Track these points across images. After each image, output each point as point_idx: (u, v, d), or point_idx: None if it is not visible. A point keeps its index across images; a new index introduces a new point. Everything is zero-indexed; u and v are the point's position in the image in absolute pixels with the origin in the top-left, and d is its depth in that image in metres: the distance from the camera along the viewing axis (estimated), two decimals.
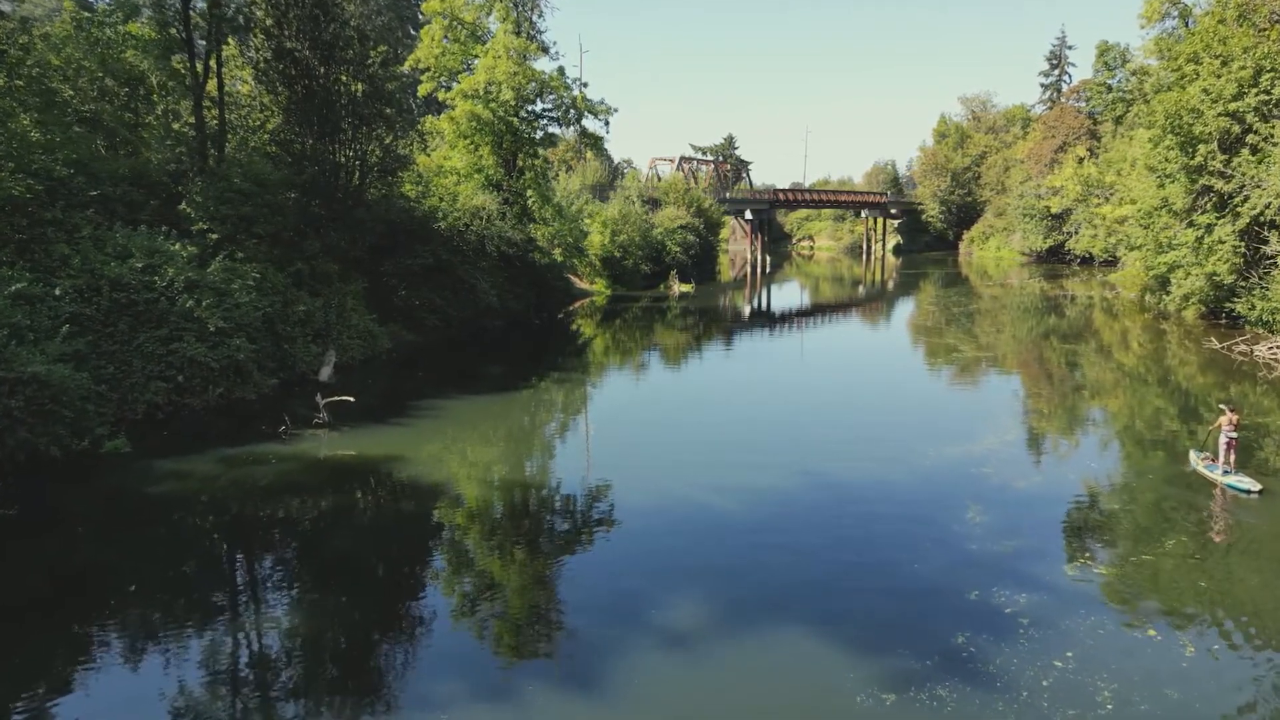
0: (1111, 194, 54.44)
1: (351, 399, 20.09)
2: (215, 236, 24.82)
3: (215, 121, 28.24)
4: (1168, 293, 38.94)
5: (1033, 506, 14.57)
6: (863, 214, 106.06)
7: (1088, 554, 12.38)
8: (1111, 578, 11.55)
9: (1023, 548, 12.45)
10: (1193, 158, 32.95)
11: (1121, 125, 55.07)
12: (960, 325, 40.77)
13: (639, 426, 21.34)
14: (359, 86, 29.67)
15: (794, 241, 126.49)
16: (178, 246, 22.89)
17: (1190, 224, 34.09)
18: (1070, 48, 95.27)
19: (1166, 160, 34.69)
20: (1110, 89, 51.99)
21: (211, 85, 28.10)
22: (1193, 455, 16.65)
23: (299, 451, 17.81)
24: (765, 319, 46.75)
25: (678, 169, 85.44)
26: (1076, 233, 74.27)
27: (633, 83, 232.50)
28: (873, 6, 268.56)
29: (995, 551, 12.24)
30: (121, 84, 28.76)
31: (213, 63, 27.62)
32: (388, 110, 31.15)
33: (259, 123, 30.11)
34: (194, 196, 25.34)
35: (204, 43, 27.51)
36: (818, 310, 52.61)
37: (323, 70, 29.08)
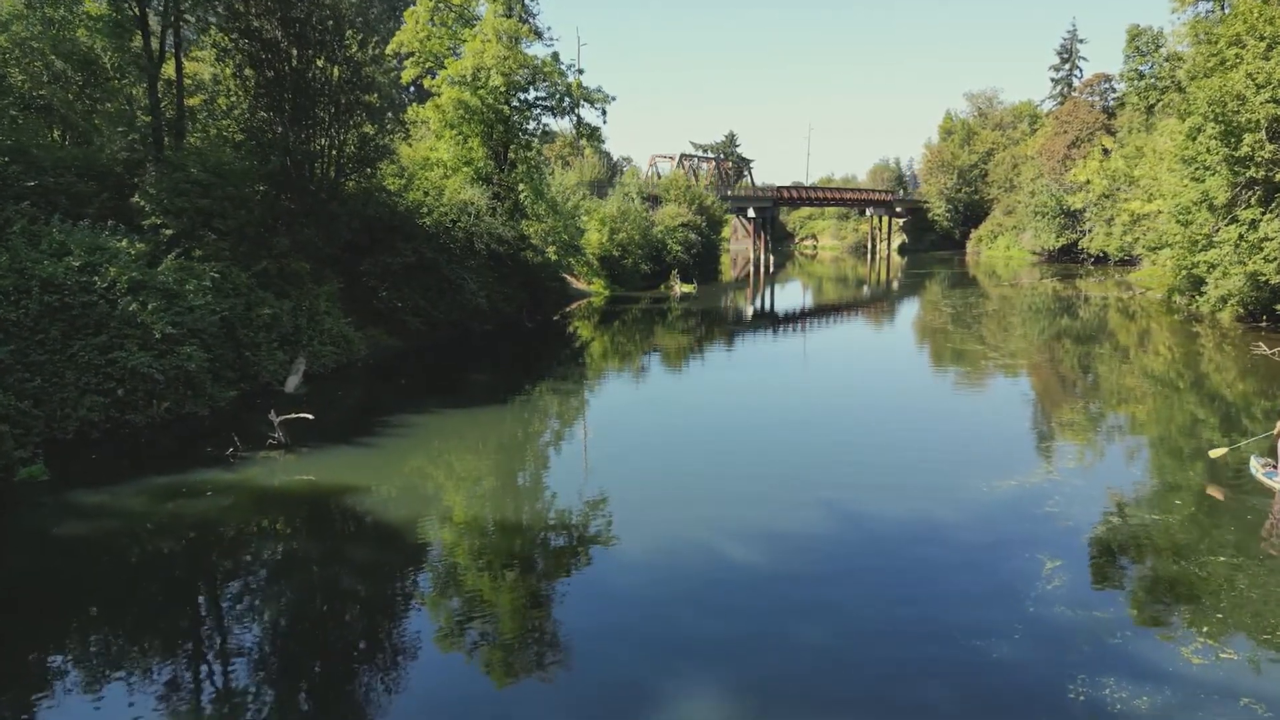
0: (1140, 189, 51.90)
1: (310, 416, 17.63)
2: (170, 232, 22.43)
3: (174, 107, 25.81)
4: (1201, 293, 36.62)
5: (1119, 558, 12.02)
6: (867, 212, 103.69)
7: (1205, 626, 9.75)
8: (1248, 665, 9.01)
9: (1121, 618, 9.92)
10: (1237, 148, 30.53)
11: (1153, 115, 52.58)
12: (978, 329, 38.38)
13: (638, 449, 18.86)
14: (336, 71, 27.27)
15: (797, 241, 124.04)
16: (124, 243, 20.46)
17: (1233, 220, 31.67)
18: (1081, 41, 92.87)
19: (1207, 151, 32.25)
20: (1142, 76, 49.43)
21: (170, 67, 25.70)
22: (1253, 461, 15.40)
23: (246, 479, 15.36)
24: (772, 321, 44.33)
25: (678, 166, 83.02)
26: (1090, 231, 71.93)
27: (632, 79, 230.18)
28: (876, 1, 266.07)
29: (1089, 624, 9.72)
30: (76, 68, 26.43)
31: (171, 42, 25.23)
32: (366, 97, 28.73)
33: (225, 109, 27.61)
34: (147, 188, 22.93)
35: (160, 20, 25.11)
36: (824, 311, 50.21)
37: (295, 53, 26.70)
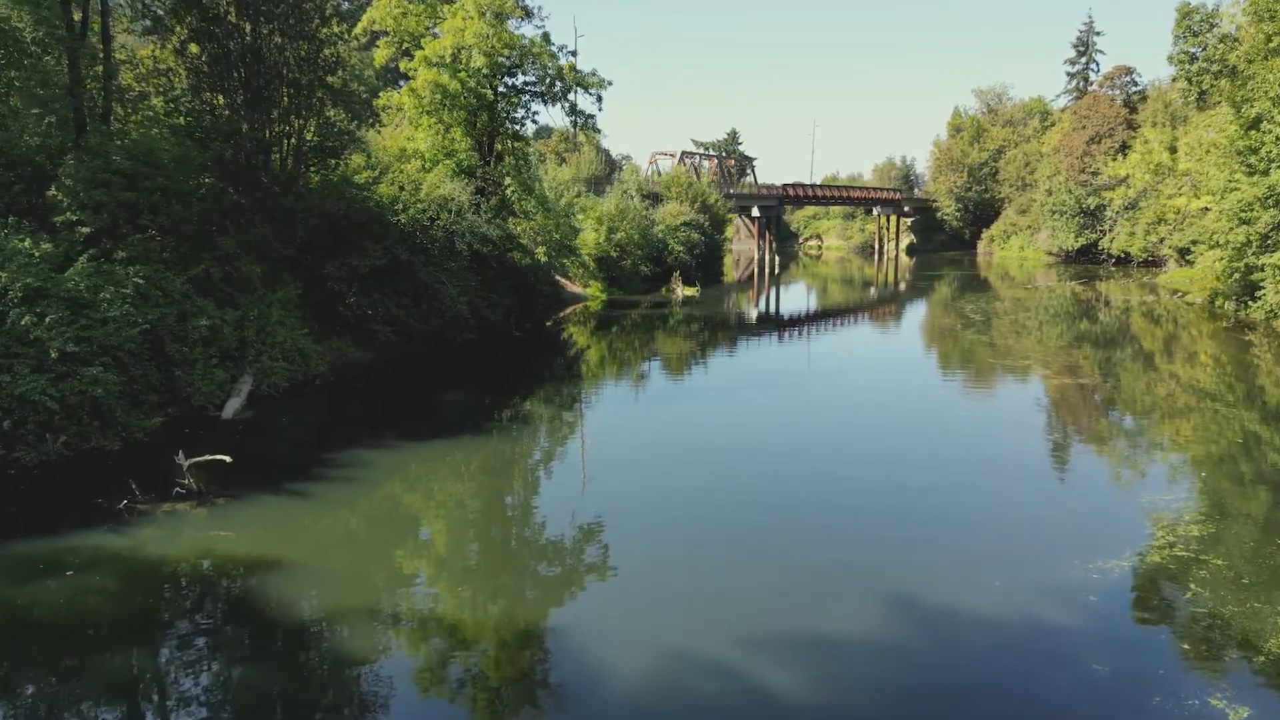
0: (1172, 184, 48.58)
1: (227, 459, 14.28)
2: (86, 230, 19.13)
3: (100, 86, 22.50)
4: (1254, 298, 33.39)
5: None
6: (874, 212, 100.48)
7: None
8: None
9: None
10: None
11: (1203, 102, 49.11)
12: (1004, 337, 35.08)
13: (636, 486, 15.58)
14: (293, 48, 24.05)
15: (801, 241, 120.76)
16: (26, 243, 17.22)
17: None
18: (1098, 34, 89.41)
19: (1275, 141, 28.93)
20: (1194, 59, 45.90)
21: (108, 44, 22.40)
22: None
23: (135, 544, 12.02)
24: (779, 326, 41.04)
25: (679, 163, 79.85)
26: (1113, 230, 68.65)
27: (631, 75, 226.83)
28: None
29: None
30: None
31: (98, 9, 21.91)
32: (330, 79, 25.50)
33: (163, 88, 24.31)
34: (64, 179, 19.65)
35: None
36: (833, 315, 46.84)
37: (248, 27, 23.49)
